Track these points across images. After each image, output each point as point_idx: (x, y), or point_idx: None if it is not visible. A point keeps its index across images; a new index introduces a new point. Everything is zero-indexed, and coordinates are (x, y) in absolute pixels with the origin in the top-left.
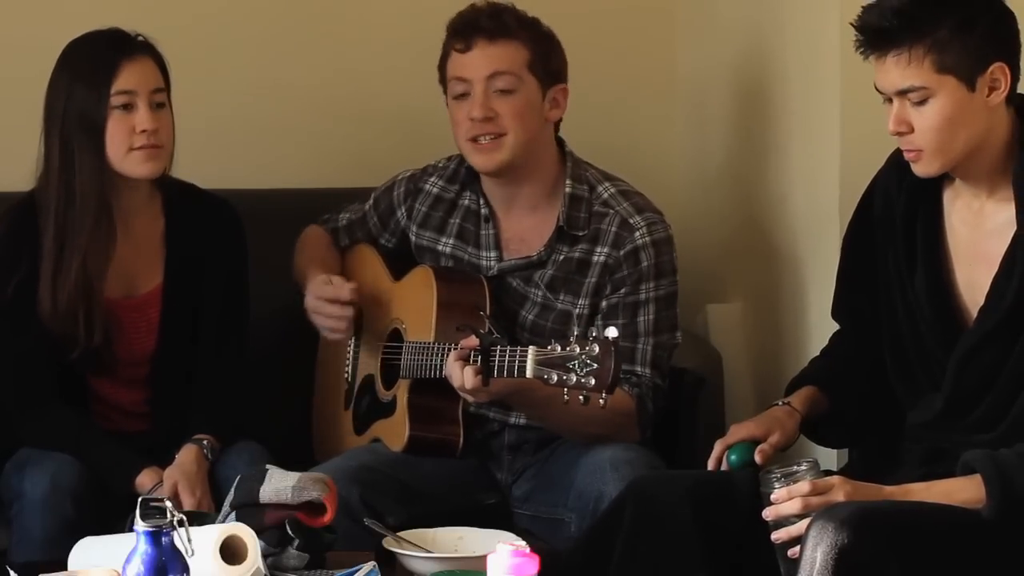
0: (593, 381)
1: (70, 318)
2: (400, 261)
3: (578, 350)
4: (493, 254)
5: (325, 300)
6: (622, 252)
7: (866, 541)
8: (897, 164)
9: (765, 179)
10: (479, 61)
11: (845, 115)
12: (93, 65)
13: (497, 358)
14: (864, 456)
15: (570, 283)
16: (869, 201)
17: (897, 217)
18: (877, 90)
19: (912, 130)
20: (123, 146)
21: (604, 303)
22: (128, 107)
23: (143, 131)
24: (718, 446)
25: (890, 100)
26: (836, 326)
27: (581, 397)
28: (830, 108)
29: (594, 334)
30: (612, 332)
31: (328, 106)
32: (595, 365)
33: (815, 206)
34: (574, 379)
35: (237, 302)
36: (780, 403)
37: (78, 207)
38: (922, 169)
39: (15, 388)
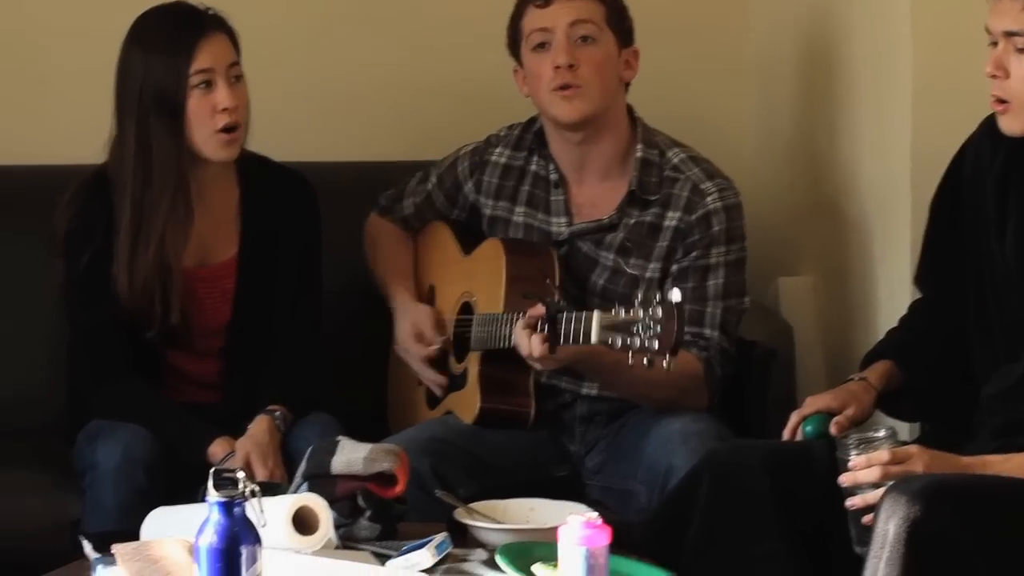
0: (657, 344)
1: (147, 297)
2: (471, 234)
3: (642, 314)
4: (563, 219)
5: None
6: (693, 217)
7: (940, 514)
8: (990, 130)
9: (836, 150)
10: (561, 11)
11: (917, 85)
12: (169, 44)
13: (563, 325)
14: (937, 429)
15: (641, 247)
16: (959, 164)
17: (989, 181)
18: (986, 30)
19: (1008, 76)
20: (205, 127)
21: (674, 267)
22: (207, 84)
23: (224, 110)
24: (794, 417)
25: (995, 43)
26: (907, 298)
27: (645, 361)
28: (902, 78)
29: (658, 297)
30: (676, 295)
31: (397, 79)
32: (658, 328)
33: (886, 177)
34: (638, 343)
35: (311, 274)
36: (856, 378)
37: (155, 188)
38: (1007, 124)
39: (89, 360)
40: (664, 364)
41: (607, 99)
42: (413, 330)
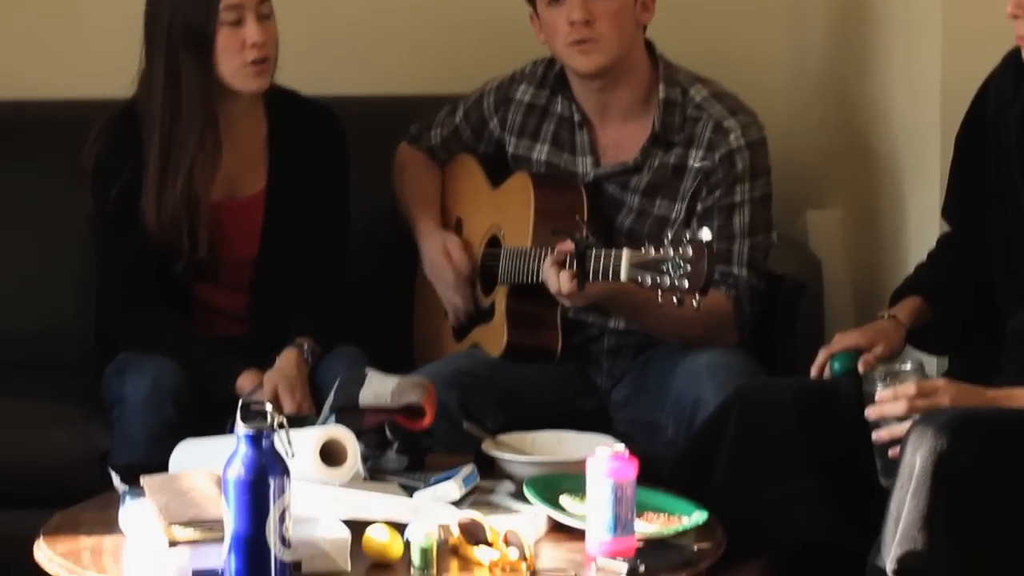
0: (687, 283)
1: (175, 230)
2: (499, 168)
3: (672, 253)
4: (589, 159)
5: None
6: (717, 156)
7: (965, 447)
8: (1013, 65)
9: (865, 84)
10: None
11: (947, 20)
12: None
13: (592, 262)
14: (964, 363)
15: (666, 188)
16: (982, 101)
17: (1012, 116)
18: None
19: None
20: (234, 62)
21: (699, 206)
22: (237, 20)
23: (253, 45)
24: (822, 354)
25: None
26: (936, 232)
27: (675, 299)
28: (932, 13)
29: (688, 236)
30: (706, 234)
31: (426, 12)
32: (688, 267)
33: (916, 111)
34: (667, 282)
35: (340, 208)
36: (885, 316)
37: (184, 122)
38: None
39: (118, 293)
40: (694, 303)
41: (625, 47)
42: (442, 255)
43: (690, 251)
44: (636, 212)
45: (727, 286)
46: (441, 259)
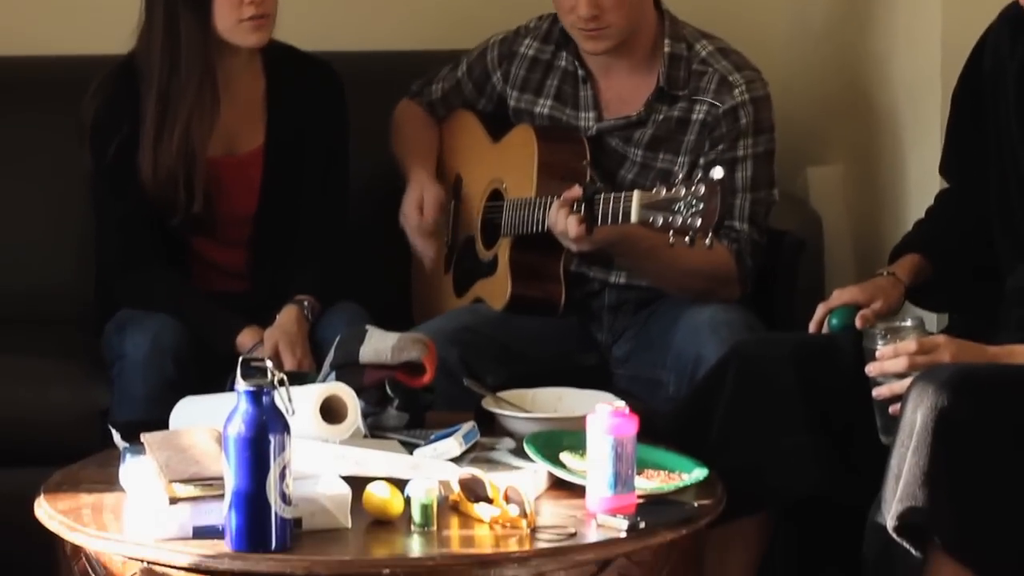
0: (699, 221)
1: (171, 184)
2: (498, 123)
3: (684, 191)
4: (592, 114)
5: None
6: (721, 110)
7: (966, 403)
8: (1010, 20)
9: (866, 40)
10: None
11: None
12: None
13: (600, 206)
14: (964, 320)
15: (670, 142)
16: (979, 57)
17: (1010, 74)
18: None
19: None
20: (231, 17)
21: (702, 159)
22: None
23: (251, 2)
24: (820, 309)
25: None
26: (936, 188)
27: (687, 239)
28: None
29: (699, 175)
30: (718, 172)
31: None
32: (701, 205)
33: (917, 66)
34: (679, 221)
35: (339, 164)
36: (884, 273)
37: (182, 75)
38: None
39: (117, 250)
40: (706, 242)
41: (633, 23)
42: (417, 203)
43: (703, 189)
44: (639, 165)
45: (729, 240)
46: (412, 211)
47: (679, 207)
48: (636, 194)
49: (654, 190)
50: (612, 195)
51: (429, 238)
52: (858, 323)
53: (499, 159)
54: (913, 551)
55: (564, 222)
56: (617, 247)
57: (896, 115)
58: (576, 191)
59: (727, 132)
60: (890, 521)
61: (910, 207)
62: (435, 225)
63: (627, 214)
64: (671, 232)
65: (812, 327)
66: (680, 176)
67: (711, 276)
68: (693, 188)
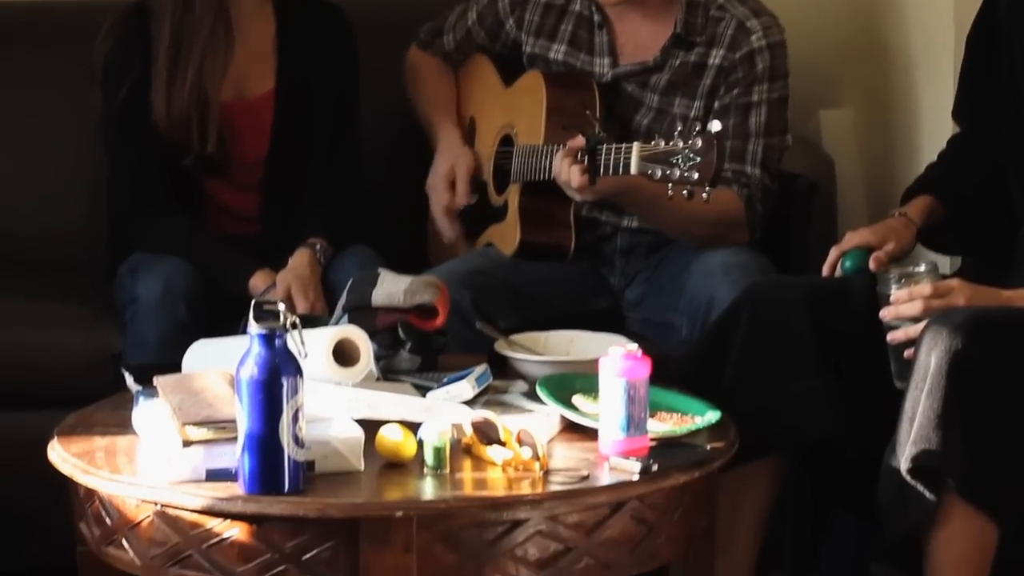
0: (696, 175)
1: (184, 125)
2: (512, 67)
3: (681, 144)
4: (607, 60)
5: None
6: (737, 55)
7: (980, 346)
8: None
9: None
10: None
11: None
12: None
13: (603, 156)
14: (977, 263)
15: (685, 87)
16: (994, 1)
17: None
18: None
19: None
20: None
21: (717, 103)
22: None
23: None
24: (833, 252)
25: None
26: (949, 132)
27: (684, 192)
28: None
29: (697, 128)
30: (715, 126)
31: None
32: (698, 159)
33: (931, 9)
34: (677, 173)
35: (350, 107)
36: (896, 214)
37: (196, 14)
38: None
39: (128, 193)
40: (704, 196)
41: None
42: (448, 176)
43: (699, 143)
44: (655, 111)
45: (739, 185)
46: (442, 183)
47: (677, 160)
48: (636, 146)
49: (653, 142)
50: (614, 146)
51: (454, 219)
52: (871, 265)
53: (510, 104)
54: (927, 494)
55: (567, 171)
56: (621, 197)
57: (909, 58)
58: (579, 141)
59: (743, 77)
60: (904, 464)
61: (923, 150)
62: (463, 207)
63: (627, 166)
64: (669, 184)
65: (825, 270)
66: (679, 129)
67: (717, 222)
68: (691, 141)
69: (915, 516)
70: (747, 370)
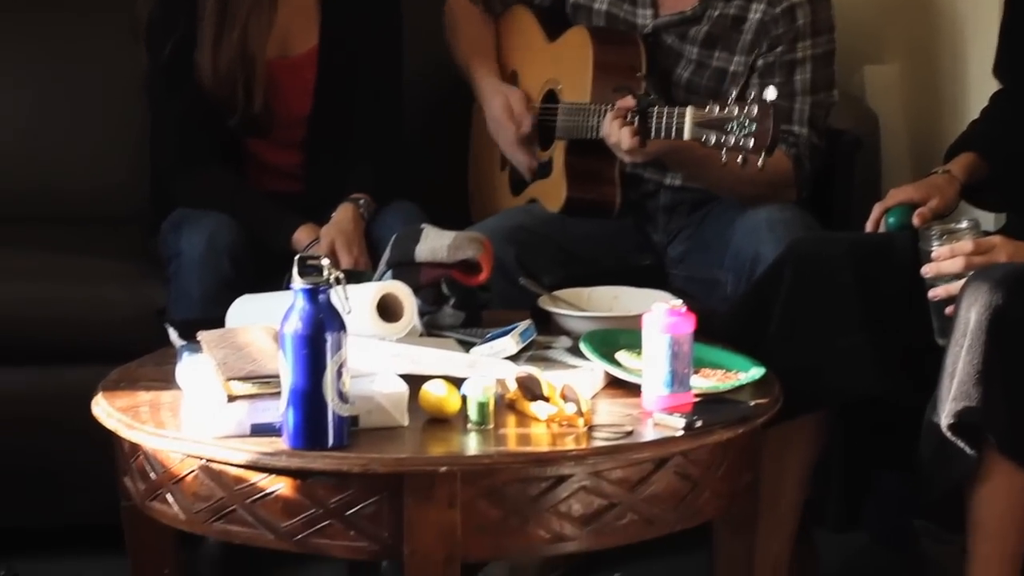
0: (752, 143)
1: (229, 84)
2: (555, 21)
3: (737, 111)
4: (648, 11)
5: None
6: (778, 9)
7: (1020, 302)
8: None
9: None
10: None
11: None
12: None
13: (654, 119)
14: (1020, 220)
15: (725, 40)
16: None
17: None
18: None
19: None
20: None
21: (760, 61)
22: None
23: None
24: (876, 209)
25: None
26: (995, 88)
27: (739, 159)
28: None
29: (752, 94)
30: (771, 93)
31: None
32: (754, 126)
33: None
34: (732, 141)
35: (392, 63)
36: (940, 171)
37: None
38: None
39: (172, 149)
40: (759, 163)
41: None
42: (506, 110)
43: (755, 110)
44: (695, 64)
45: (788, 144)
46: (503, 116)
47: (732, 127)
48: (689, 111)
49: (707, 107)
50: (666, 110)
51: (527, 146)
52: (915, 221)
53: (555, 59)
54: (968, 450)
55: (617, 133)
56: (670, 157)
57: (956, 12)
58: (629, 102)
59: (784, 33)
60: (945, 420)
61: (968, 106)
62: (532, 130)
63: (680, 130)
64: (723, 151)
65: (869, 226)
66: (734, 91)
67: (768, 183)
68: (747, 109)
69: (956, 472)
70: (791, 326)
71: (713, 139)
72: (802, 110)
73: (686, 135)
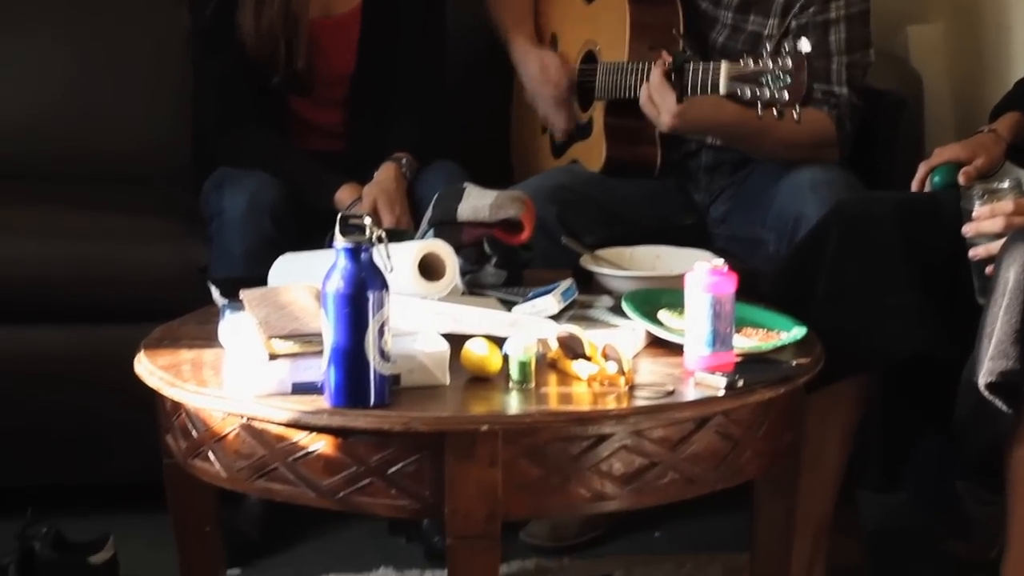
0: (787, 95)
1: (272, 44)
2: None
3: (771, 64)
4: None
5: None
6: None
7: None
8: None
9: None
10: None
11: None
12: None
13: (690, 76)
14: None
15: (759, 4)
16: None
17: None
18: None
19: None
20: None
21: (794, 22)
22: None
23: None
24: (922, 168)
25: None
26: None
27: (775, 112)
28: None
29: (787, 48)
30: (804, 46)
31: None
32: (788, 79)
33: None
34: (767, 94)
35: (435, 21)
36: (986, 130)
37: None
38: None
39: (216, 108)
40: (794, 115)
41: None
42: (541, 72)
43: (790, 62)
44: (729, 28)
45: (828, 106)
46: (539, 78)
47: (766, 80)
48: (724, 65)
49: (741, 62)
50: (701, 65)
51: (566, 108)
52: (961, 180)
53: (592, 21)
54: (1006, 409)
55: (652, 105)
56: (710, 133)
57: None
58: (666, 57)
59: None
60: (983, 379)
61: (1013, 65)
62: (569, 92)
63: (715, 86)
64: (759, 105)
65: (914, 185)
66: (768, 47)
67: (810, 144)
68: (781, 61)
69: (994, 432)
70: (839, 287)
71: (748, 93)
72: (839, 70)
73: (721, 89)
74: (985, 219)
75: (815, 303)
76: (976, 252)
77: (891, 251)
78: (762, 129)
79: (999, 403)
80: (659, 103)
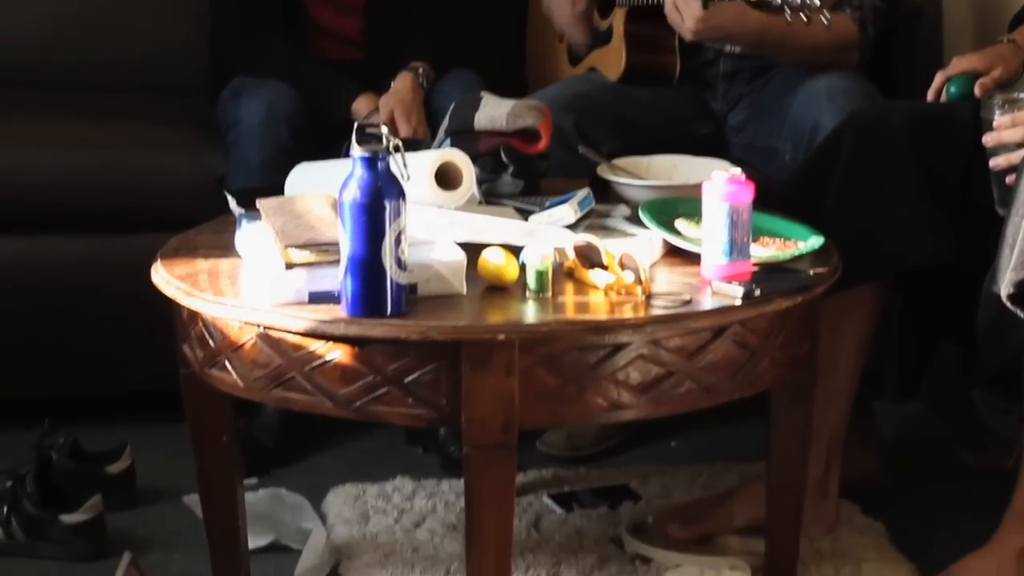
0: (817, 1)
1: None
2: None
3: None
4: None
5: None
6: None
7: None
8: None
9: None
10: None
11: None
12: None
13: None
14: None
15: None
16: None
17: None
18: None
19: None
20: None
21: None
22: None
23: None
24: (939, 77)
25: None
26: None
27: (804, 17)
28: None
29: None
30: None
31: None
32: None
33: None
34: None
35: None
36: (1004, 40)
37: None
38: None
39: (233, 16)
40: (824, 20)
41: None
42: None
43: None
44: None
45: (852, 8)
46: (560, 2)
47: None
48: None
49: None
50: None
51: (582, 23)
52: (977, 91)
53: None
54: None
55: (676, 11)
56: (733, 40)
57: None
58: None
59: None
60: (1004, 289)
61: None
62: (589, 8)
63: None
64: (787, 10)
65: (930, 95)
66: None
67: (832, 47)
68: None
69: (1014, 342)
70: (851, 194)
71: None
72: None
73: None
74: (1006, 128)
75: (827, 210)
76: (997, 162)
77: (905, 160)
78: (785, 35)
79: (1021, 313)
80: (683, 9)
